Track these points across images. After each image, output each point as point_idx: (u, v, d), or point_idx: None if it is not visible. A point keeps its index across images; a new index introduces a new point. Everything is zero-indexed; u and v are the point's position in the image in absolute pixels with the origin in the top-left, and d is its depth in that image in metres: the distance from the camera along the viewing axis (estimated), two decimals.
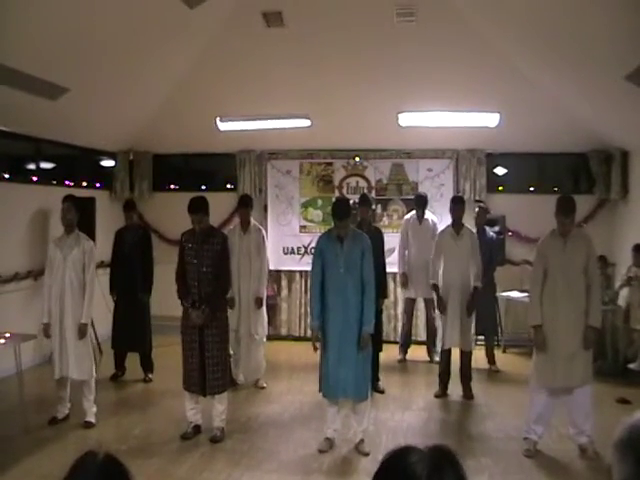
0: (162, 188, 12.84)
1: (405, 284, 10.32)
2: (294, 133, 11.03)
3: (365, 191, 11.52)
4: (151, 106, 11.01)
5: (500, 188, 11.92)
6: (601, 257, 9.50)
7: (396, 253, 10.73)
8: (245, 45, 9.73)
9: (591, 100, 9.72)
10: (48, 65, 7.89)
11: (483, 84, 9.84)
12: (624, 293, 9.60)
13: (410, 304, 10.54)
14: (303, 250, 12.03)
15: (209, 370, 6.73)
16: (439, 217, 10.41)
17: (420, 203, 10.24)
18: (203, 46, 9.82)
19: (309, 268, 6.99)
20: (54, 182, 10.76)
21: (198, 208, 6.77)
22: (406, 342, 10.48)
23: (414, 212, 10.37)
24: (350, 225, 6.66)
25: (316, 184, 12.14)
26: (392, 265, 10.20)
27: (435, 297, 8.62)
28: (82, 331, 7.17)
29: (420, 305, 10.78)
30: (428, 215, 10.32)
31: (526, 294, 8.60)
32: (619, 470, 1.55)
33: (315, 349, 6.60)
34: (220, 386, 6.83)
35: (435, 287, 8.51)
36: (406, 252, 10.27)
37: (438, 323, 8.86)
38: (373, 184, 11.97)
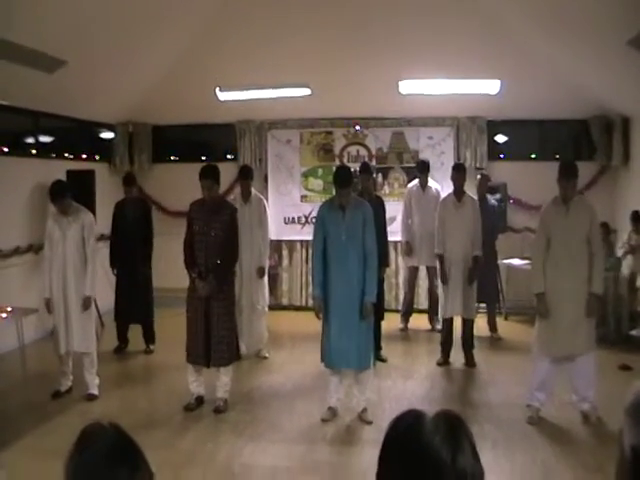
0: (162, 160, 12.78)
1: (409, 252, 10.30)
2: (294, 102, 10.95)
3: (366, 160, 11.46)
4: (150, 77, 10.94)
5: (501, 155, 11.87)
6: (603, 224, 9.47)
7: (397, 222, 10.72)
8: (245, 14, 9.66)
9: (592, 66, 9.66)
10: (45, 38, 7.83)
11: (484, 51, 9.77)
12: (627, 261, 9.58)
13: (413, 272, 10.54)
14: (304, 220, 12.00)
15: (214, 342, 6.72)
16: (440, 185, 10.34)
17: (422, 169, 10.19)
18: (202, 16, 9.75)
19: (310, 238, 7.00)
20: (53, 155, 10.73)
21: (209, 174, 6.75)
22: (408, 311, 10.48)
23: (417, 181, 10.32)
24: (352, 193, 6.62)
25: (316, 153, 12.09)
26: (393, 234, 10.18)
27: (438, 267, 8.58)
28: (86, 304, 7.18)
29: (422, 273, 10.76)
30: (432, 183, 10.28)
31: (527, 261, 8.58)
32: (630, 434, 1.54)
33: (319, 318, 6.59)
34: (226, 359, 6.83)
35: (440, 257, 8.49)
36: (409, 221, 10.24)
37: (440, 291, 8.84)
38: (374, 153, 11.92)
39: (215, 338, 6.72)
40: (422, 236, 9.83)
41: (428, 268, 10.20)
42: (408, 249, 10.27)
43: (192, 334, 6.84)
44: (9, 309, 7.14)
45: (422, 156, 11.34)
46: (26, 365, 7.26)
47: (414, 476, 1.43)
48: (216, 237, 6.74)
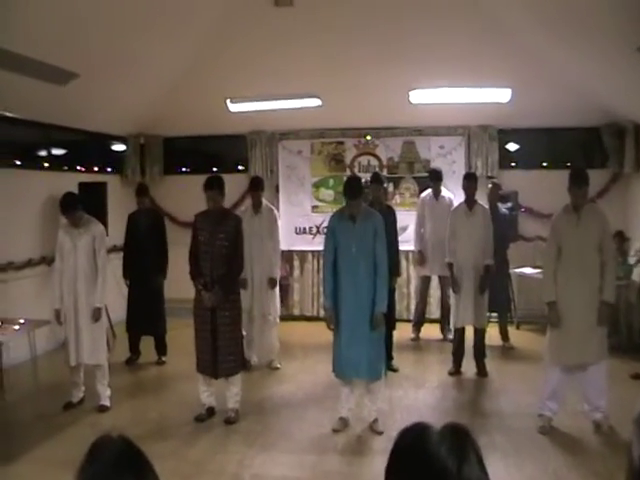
0: (173, 171, 12.84)
1: (422, 262, 10.30)
2: (305, 113, 10.97)
3: (377, 170, 11.48)
4: (161, 89, 10.98)
5: (512, 164, 11.85)
6: (619, 232, 9.46)
7: (408, 231, 10.76)
8: (254, 25, 9.68)
9: (603, 73, 9.62)
10: (56, 51, 7.86)
11: (494, 60, 9.76)
12: (638, 269, 9.54)
13: (425, 282, 10.53)
14: (315, 230, 12.01)
15: (221, 352, 6.73)
16: (453, 194, 10.31)
17: (435, 178, 10.17)
18: (211, 27, 9.77)
19: (321, 248, 7.00)
20: (65, 168, 10.78)
21: (214, 185, 6.76)
22: (420, 320, 10.46)
23: (430, 190, 10.32)
24: (362, 204, 6.62)
25: (327, 163, 12.11)
26: (404, 243, 10.18)
27: (450, 276, 8.57)
28: (96, 315, 7.18)
29: (434, 283, 10.75)
30: (445, 192, 10.28)
31: (539, 270, 8.55)
32: (639, 444, 1.53)
33: (330, 329, 6.59)
34: (232, 368, 6.84)
35: (450, 266, 8.47)
36: (422, 230, 10.24)
37: (452, 301, 8.82)
38: (385, 162, 11.93)
39: (222, 349, 6.73)
40: (434, 245, 9.80)
41: (440, 278, 10.19)
42: (421, 258, 10.27)
43: (200, 345, 6.87)
44: (21, 321, 7.17)
45: (433, 165, 11.31)
46: (38, 376, 7.29)
47: None
48: (221, 247, 6.76)
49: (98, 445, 1.63)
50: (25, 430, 6.60)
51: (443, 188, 10.28)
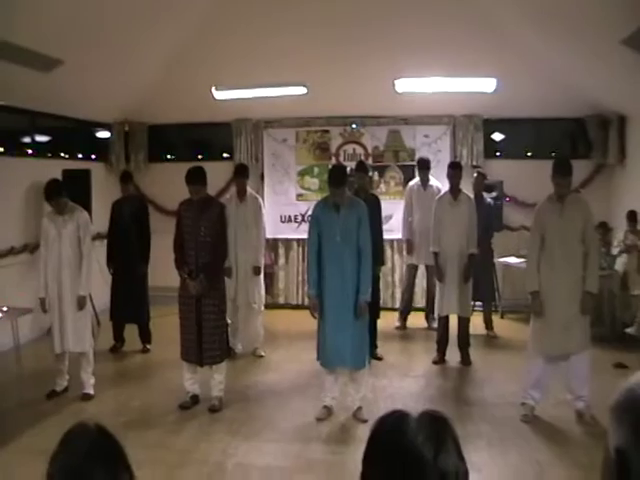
0: (158, 159, 12.79)
1: (410, 251, 10.32)
2: (290, 101, 10.94)
3: (362, 158, 11.47)
4: (146, 76, 10.93)
5: (497, 154, 11.87)
6: (602, 223, 9.50)
7: (393, 220, 10.77)
8: (240, 13, 9.65)
9: (588, 65, 9.65)
10: (41, 37, 7.81)
11: (480, 49, 9.76)
12: (622, 259, 9.59)
13: (412, 271, 10.55)
14: (300, 218, 12.00)
15: (206, 340, 6.73)
16: (441, 184, 10.29)
17: (423, 166, 10.19)
18: (198, 14, 9.73)
19: (306, 236, 6.98)
20: (49, 155, 10.74)
21: (195, 179, 6.73)
22: (406, 309, 10.48)
23: (418, 179, 10.33)
24: (346, 192, 6.62)
25: (312, 152, 12.10)
26: (389, 232, 10.23)
27: (434, 264, 8.58)
28: (81, 303, 7.17)
29: (420, 272, 10.75)
30: (433, 181, 10.28)
31: (523, 260, 8.58)
32: (615, 435, 1.53)
33: (314, 317, 6.60)
34: (217, 356, 6.85)
35: (435, 255, 8.48)
36: (410, 218, 10.25)
37: (436, 290, 8.83)
38: (370, 151, 11.92)
39: (207, 337, 6.73)
40: (422, 234, 9.78)
41: (427, 267, 10.18)
42: (409, 247, 10.29)
43: (185, 334, 6.87)
44: (4, 309, 7.14)
45: (419, 154, 11.29)
46: (21, 365, 7.26)
47: (397, 475, 1.43)
48: (205, 236, 6.75)
49: (72, 433, 1.64)
50: (8, 419, 6.57)
51: (431, 177, 10.29)
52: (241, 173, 8.92)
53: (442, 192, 8.83)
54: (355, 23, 9.64)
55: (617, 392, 1.57)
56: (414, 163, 10.90)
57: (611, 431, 1.54)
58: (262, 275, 9.04)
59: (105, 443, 1.63)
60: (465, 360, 8.49)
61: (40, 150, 10.47)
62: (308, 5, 9.42)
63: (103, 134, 12.39)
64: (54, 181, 7.36)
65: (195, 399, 7.03)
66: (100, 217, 9.62)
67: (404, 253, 10.80)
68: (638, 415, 1.46)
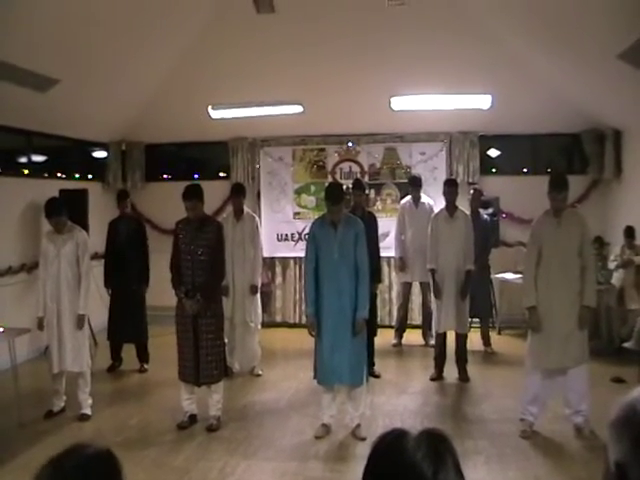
0: (155, 178, 12.82)
1: (403, 268, 10.30)
2: (286, 119, 10.99)
3: (358, 176, 11.50)
4: (142, 96, 10.97)
5: (493, 170, 11.90)
6: (597, 238, 9.52)
7: (390, 237, 10.76)
8: (235, 32, 9.71)
9: (583, 80, 9.70)
10: (37, 57, 7.85)
11: (475, 66, 9.82)
12: (618, 274, 9.60)
13: (406, 288, 10.54)
14: (297, 236, 12.02)
15: (203, 360, 6.71)
16: (433, 201, 10.32)
17: (414, 184, 10.19)
18: (193, 34, 9.80)
19: (303, 255, 6.98)
20: (46, 175, 10.75)
21: (192, 195, 6.73)
22: (401, 326, 10.47)
23: (410, 197, 10.33)
24: (343, 210, 6.63)
25: (309, 170, 12.12)
26: (386, 249, 10.24)
27: (431, 282, 8.58)
28: (80, 322, 7.15)
29: (415, 289, 10.75)
30: (425, 199, 10.29)
31: (520, 275, 8.59)
32: (614, 449, 1.53)
33: (312, 335, 6.59)
34: (214, 376, 6.82)
35: (432, 272, 8.47)
36: (402, 236, 10.24)
37: (433, 306, 8.83)
38: (366, 169, 11.95)
39: (204, 356, 6.71)
40: (415, 251, 9.82)
41: (421, 284, 10.18)
42: (402, 265, 10.27)
43: (182, 353, 6.85)
44: (1, 329, 7.12)
45: (415, 171, 11.36)
46: (19, 385, 7.22)
47: None
48: (202, 255, 6.75)
49: (69, 451, 1.63)
50: (6, 438, 6.53)
51: (423, 194, 10.30)
52: (238, 192, 8.93)
53: (438, 209, 8.83)
54: (350, 42, 9.70)
55: (617, 407, 1.58)
56: None
57: (611, 445, 1.54)
58: (259, 294, 9.02)
59: (103, 463, 1.62)
60: (463, 376, 8.48)
61: (37, 170, 10.49)
62: (304, 24, 9.49)
63: (100, 153, 12.41)
64: (55, 199, 7.41)
65: (193, 419, 7.00)
66: (97, 237, 9.61)
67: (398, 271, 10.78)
68: (637, 430, 1.47)
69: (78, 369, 7.23)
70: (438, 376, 8.53)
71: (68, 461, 1.58)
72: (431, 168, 11.62)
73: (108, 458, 1.64)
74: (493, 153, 11.97)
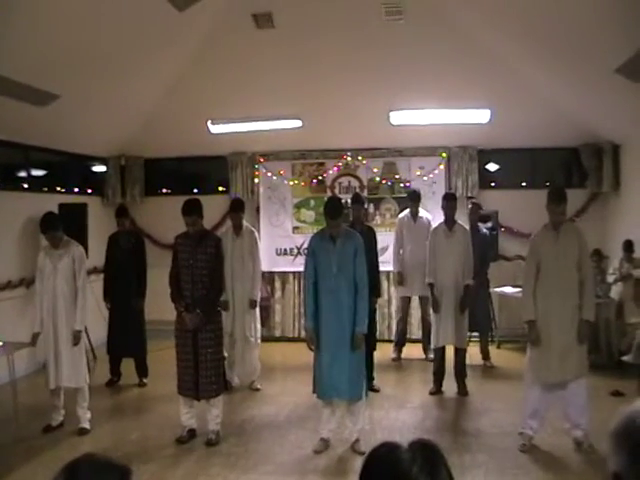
0: (154, 192, 12.83)
1: (401, 283, 10.29)
2: (285, 134, 11.01)
3: (357, 190, 11.52)
4: (142, 110, 11.00)
5: (492, 184, 11.92)
6: (596, 251, 9.51)
7: (389, 252, 10.75)
8: (235, 47, 9.75)
9: (582, 94, 9.73)
10: (37, 72, 7.86)
11: (473, 80, 9.86)
12: (617, 287, 9.61)
13: (405, 302, 10.52)
14: (296, 251, 12.02)
15: (202, 374, 6.71)
16: (432, 215, 10.35)
17: (413, 198, 10.18)
18: (193, 49, 9.83)
19: (302, 269, 6.98)
20: (45, 189, 10.75)
21: (192, 210, 6.74)
22: (400, 341, 10.46)
23: (408, 211, 10.33)
24: (342, 224, 6.64)
25: (308, 185, 12.13)
26: (385, 264, 10.24)
27: (430, 296, 8.58)
28: (76, 338, 7.13)
29: (414, 303, 10.75)
30: (423, 213, 10.29)
31: (519, 289, 8.59)
32: (615, 461, 1.54)
33: (311, 350, 6.59)
34: (214, 390, 6.82)
35: (431, 286, 8.47)
36: (401, 251, 10.24)
37: (432, 320, 8.82)
38: (365, 183, 11.96)
39: (203, 371, 6.71)
40: (414, 266, 9.81)
41: (420, 298, 10.18)
42: (400, 279, 10.26)
43: (181, 367, 6.84)
44: (0, 343, 7.12)
45: (414, 186, 11.36)
46: (17, 399, 7.21)
47: None
48: (202, 269, 6.76)
49: (79, 460, 1.62)
50: (4, 453, 6.52)
51: (421, 209, 10.31)
52: (237, 207, 8.93)
53: (437, 223, 8.83)
54: (348, 56, 9.73)
55: (616, 419, 1.58)
56: None
57: (610, 457, 1.55)
58: (258, 308, 9.01)
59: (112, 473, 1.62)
60: (462, 390, 8.47)
61: (36, 184, 10.50)
62: (302, 40, 9.53)
63: (99, 168, 12.43)
64: (50, 214, 7.39)
65: (192, 433, 6.99)
66: (96, 251, 9.61)
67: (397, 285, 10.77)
68: (636, 442, 1.47)
69: (75, 385, 7.21)
70: (437, 390, 8.51)
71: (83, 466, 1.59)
72: (430, 182, 11.64)
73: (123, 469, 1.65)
74: (492, 167, 11.99)
